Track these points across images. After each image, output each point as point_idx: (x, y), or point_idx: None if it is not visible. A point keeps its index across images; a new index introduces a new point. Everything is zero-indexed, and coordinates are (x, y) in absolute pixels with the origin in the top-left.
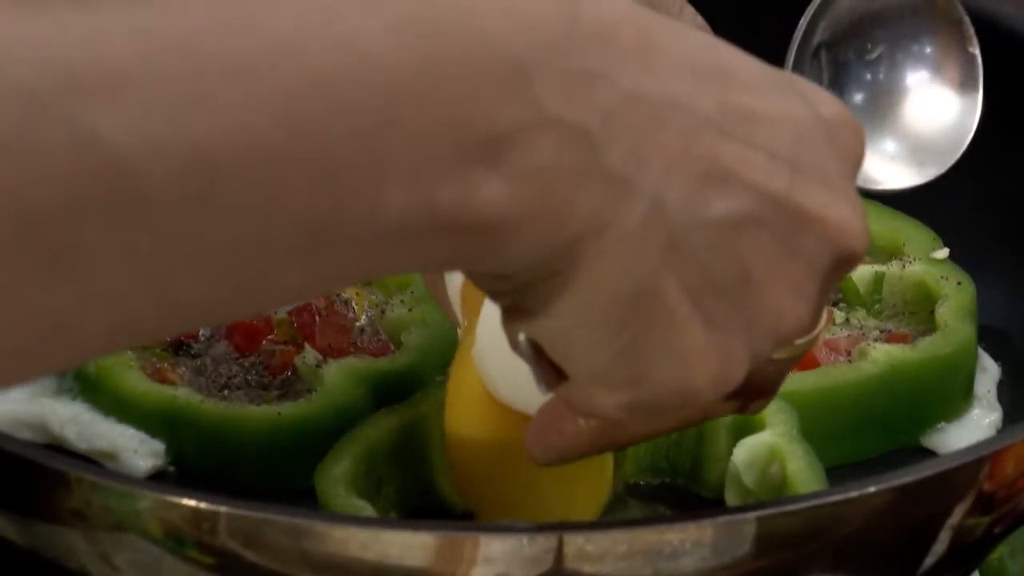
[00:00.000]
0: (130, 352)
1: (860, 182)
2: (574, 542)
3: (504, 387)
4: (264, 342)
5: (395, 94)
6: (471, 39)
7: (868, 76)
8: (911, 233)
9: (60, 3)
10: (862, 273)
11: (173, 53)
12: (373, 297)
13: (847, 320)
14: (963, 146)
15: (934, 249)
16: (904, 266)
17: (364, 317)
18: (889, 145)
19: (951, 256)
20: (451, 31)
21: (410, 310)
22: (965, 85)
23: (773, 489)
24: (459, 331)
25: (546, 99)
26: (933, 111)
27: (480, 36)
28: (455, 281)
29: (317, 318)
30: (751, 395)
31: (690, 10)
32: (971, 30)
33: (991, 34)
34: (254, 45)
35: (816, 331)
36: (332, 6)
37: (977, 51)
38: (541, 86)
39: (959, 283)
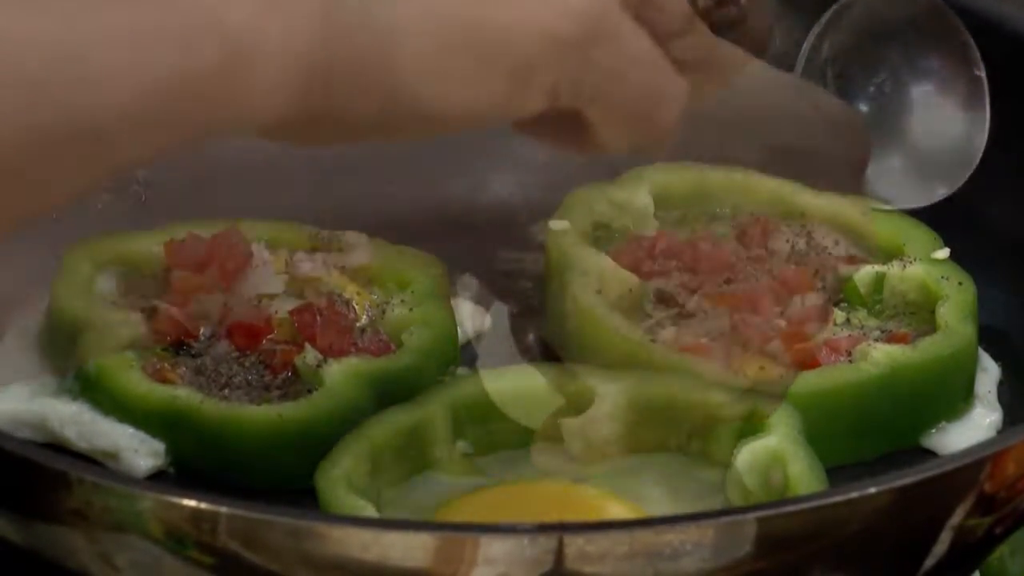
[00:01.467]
0: (130, 352)
1: (872, 199)
2: (575, 543)
3: None
4: (264, 342)
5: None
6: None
7: (875, 96)
8: (912, 233)
9: None
10: (863, 273)
11: None
12: (374, 297)
13: (848, 320)
14: (972, 167)
15: (935, 249)
16: (905, 266)
17: (365, 317)
18: (897, 164)
19: (952, 256)
20: None
21: (411, 310)
22: (972, 107)
23: (775, 492)
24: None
25: None
26: (941, 133)
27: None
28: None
29: (318, 318)
30: None
31: (702, 25)
32: (977, 53)
33: (992, 35)
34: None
35: None
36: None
37: (983, 74)
38: None
39: (960, 283)
